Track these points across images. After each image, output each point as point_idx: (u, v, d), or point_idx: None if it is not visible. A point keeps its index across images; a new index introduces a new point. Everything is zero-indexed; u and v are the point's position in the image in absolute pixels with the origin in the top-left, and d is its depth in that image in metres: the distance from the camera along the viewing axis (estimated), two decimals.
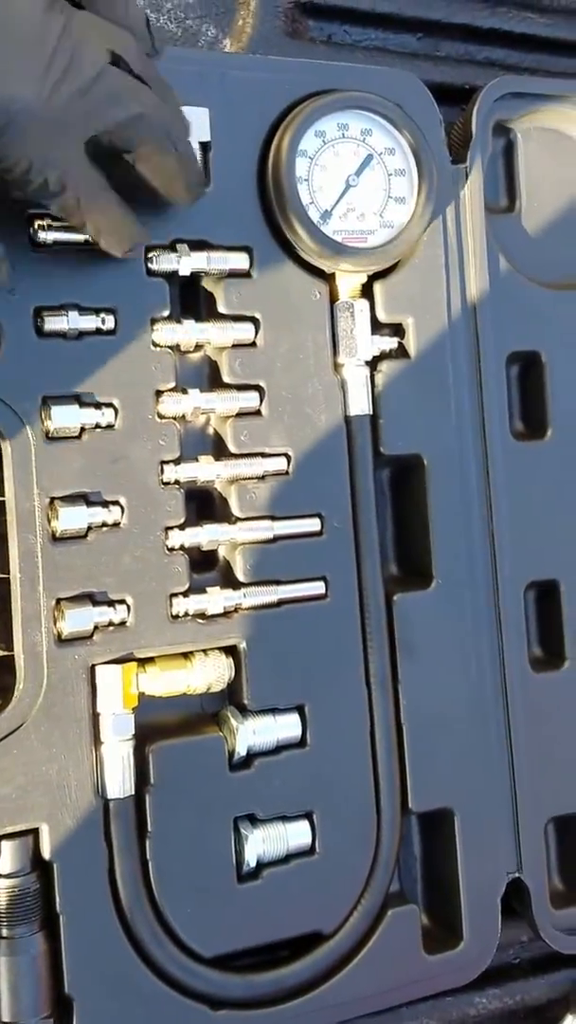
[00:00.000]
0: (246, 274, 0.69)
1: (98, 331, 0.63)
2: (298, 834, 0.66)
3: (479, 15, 0.85)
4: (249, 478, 0.67)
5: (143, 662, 0.64)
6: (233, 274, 0.68)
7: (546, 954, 0.75)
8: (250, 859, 0.64)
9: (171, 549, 0.65)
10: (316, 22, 0.80)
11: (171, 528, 0.65)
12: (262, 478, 0.68)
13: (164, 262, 0.65)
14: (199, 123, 0.67)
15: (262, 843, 0.65)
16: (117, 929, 0.60)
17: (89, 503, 0.63)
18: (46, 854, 0.60)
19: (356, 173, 0.71)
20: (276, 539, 0.67)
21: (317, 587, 0.68)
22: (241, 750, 0.65)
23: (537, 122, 0.82)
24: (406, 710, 0.70)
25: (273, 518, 0.67)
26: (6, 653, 0.63)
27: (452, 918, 0.69)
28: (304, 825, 0.66)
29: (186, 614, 0.65)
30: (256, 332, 0.68)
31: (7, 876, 0.58)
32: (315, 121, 0.69)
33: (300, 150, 0.69)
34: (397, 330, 0.73)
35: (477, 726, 0.72)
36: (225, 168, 0.68)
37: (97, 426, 0.63)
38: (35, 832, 0.60)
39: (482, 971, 0.69)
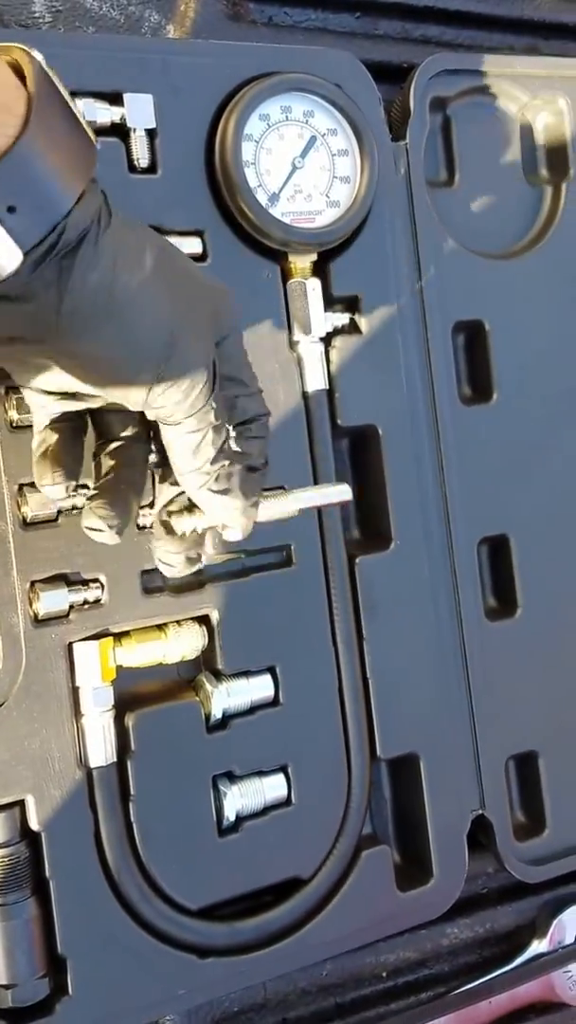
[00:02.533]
0: (200, 258, 0.65)
1: None
2: (274, 787, 0.64)
3: None
4: None
5: (119, 636, 0.61)
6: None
7: (512, 883, 0.74)
8: (229, 814, 0.62)
9: (140, 527, 0.61)
10: (257, 4, 0.75)
11: (140, 507, 0.61)
12: None
13: None
14: (144, 110, 0.63)
15: (240, 798, 0.62)
16: (106, 890, 0.58)
17: None
18: (33, 824, 0.57)
19: (301, 155, 0.67)
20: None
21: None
22: (217, 713, 0.63)
23: (472, 98, 0.77)
24: (371, 665, 0.67)
25: None
26: None
27: (422, 856, 0.68)
28: (280, 778, 0.64)
29: (160, 588, 0.62)
30: None
31: None
32: (258, 105, 0.65)
33: (246, 134, 0.64)
34: (349, 306, 0.69)
35: (438, 675, 0.70)
36: (172, 154, 0.64)
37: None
38: (21, 804, 0.57)
39: (452, 903, 0.68)
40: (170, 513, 0.56)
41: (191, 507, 0.55)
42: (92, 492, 0.54)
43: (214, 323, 0.50)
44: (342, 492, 0.60)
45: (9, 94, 0.42)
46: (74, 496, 0.57)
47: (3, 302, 0.43)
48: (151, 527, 0.58)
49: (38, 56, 0.44)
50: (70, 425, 0.54)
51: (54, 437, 0.53)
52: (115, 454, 0.54)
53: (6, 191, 0.40)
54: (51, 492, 0.53)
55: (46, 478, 0.53)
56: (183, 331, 0.47)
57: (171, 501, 0.56)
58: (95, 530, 0.53)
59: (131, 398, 0.48)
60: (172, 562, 0.56)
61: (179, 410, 0.48)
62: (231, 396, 0.52)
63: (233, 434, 0.52)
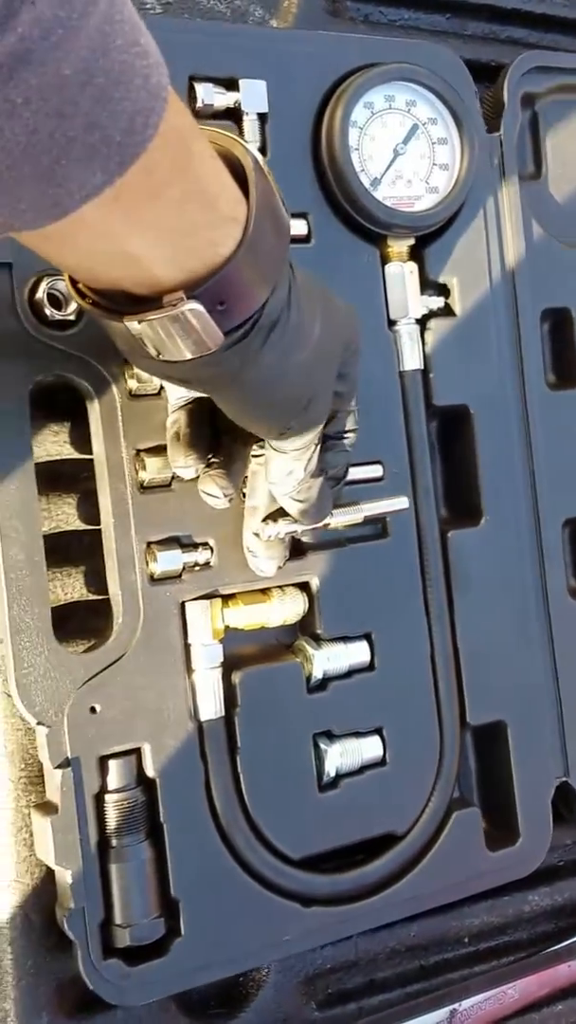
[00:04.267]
0: (304, 239, 0.67)
1: None
2: (371, 747, 0.66)
3: None
4: None
5: (227, 598, 0.63)
6: (291, 240, 0.66)
7: None
8: (330, 770, 0.64)
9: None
10: (354, 2, 0.78)
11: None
12: None
13: None
14: (258, 95, 0.66)
15: (339, 756, 0.65)
16: (215, 836, 0.61)
17: None
18: (149, 772, 0.59)
19: (403, 142, 0.70)
20: (347, 483, 0.66)
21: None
22: (317, 674, 0.65)
23: (559, 95, 0.80)
24: (461, 635, 0.70)
25: None
26: (99, 597, 0.63)
27: (509, 819, 0.70)
28: (375, 739, 0.66)
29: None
30: None
31: (115, 791, 0.58)
32: (364, 93, 0.68)
33: (351, 120, 0.67)
34: (443, 290, 0.72)
35: (524, 647, 0.72)
36: (281, 138, 0.67)
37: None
38: (138, 751, 0.60)
39: (537, 866, 0.70)
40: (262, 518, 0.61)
41: (275, 515, 0.61)
42: (212, 460, 0.58)
43: (343, 357, 0.55)
44: (400, 503, 0.66)
45: (234, 206, 0.44)
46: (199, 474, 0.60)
47: (193, 362, 0.46)
48: None
49: (255, 154, 0.46)
50: (199, 406, 0.58)
51: (186, 418, 0.57)
52: (234, 432, 0.58)
53: (221, 292, 0.43)
54: (183, 473, 0.58)
55: (179, 460, 0.57)
56: (319, 393, 0.53)
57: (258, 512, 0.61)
58: (211, 496, 0.57)
59: (259, 433, 0.55)
60: (264, 568, 0.62)
61: (290, 446, 0.54)
62: (333, 410, 0.56)
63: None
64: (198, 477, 0.58)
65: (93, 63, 0.32)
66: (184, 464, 0.57)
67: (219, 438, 0.59)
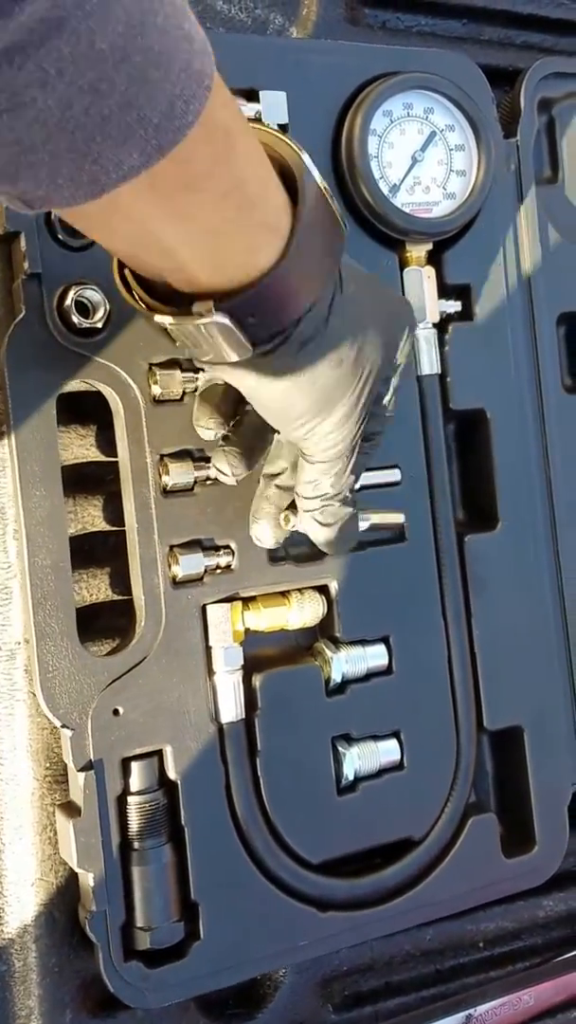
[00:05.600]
0: None
1: None
2: (388, 751, 0.66)
3: (518, 1, 0.83)
4: None
5: (247, 601, 0.64)
6: None
7: None
8: (348, 774, 0.65)
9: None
10: (372, 10, 0.78)
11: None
12: None
13: None
14: (278, 106, 0.66)
15: (358, 759, 0.65)
16: (235, 840, 0.61)
17: (194, 459, 0.62)
18: (171, 774, 0.60)
19: (421, 149, 0.70)
20: (362, 488, 0.66)
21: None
22: (336, 677, 0.65)
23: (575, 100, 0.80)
24: (479, 639, 0.70)
25: None
26: (124, 597, 0.63)
27: (525, 825, 0.70)
28: (393, 743, 0.67)
29: (284, 557, 0.65)
30: None
31: (138, 793, 0.59)
32: (383, 101, 0.68)
33: (371, 129, 0.68)
34: (461, 294, 0.72)
35: (541, 652, 0.72)
36: (302, 147, 0.67)
37: (196, 390, 0.63)
38: (160, 753, 0.60)
39: (553, 873, 0.70)
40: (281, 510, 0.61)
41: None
42: (228, 434, 0.58)
43: (386, 370, 0.53)
44: (397, 517, 0.68)
45: (278, 215, 0.42)
46: (218, 437, 0.61)
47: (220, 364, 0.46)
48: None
49: (307, 160, 0.44)
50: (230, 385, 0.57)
51: (218, 387, 0.58)
52: (256, 414, 0.58)
53: (253, 306, 0.43)
54: (204, 433, 0.59)
55: (203, 420, 0.58)
56: (353, 407, 0.51)
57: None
58: (221, 471, 0.58)
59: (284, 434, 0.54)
60: (262, 537, 0.61)
61: (316, 455, 0.53)
62: (371, 411, 0.55)
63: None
64: (216, 444, 0.58)
65: (131, 40, 0.31)
66: (206, 425, 0.58)
67: (247, 411, 0.58)
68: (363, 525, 0.63)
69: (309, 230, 0.43)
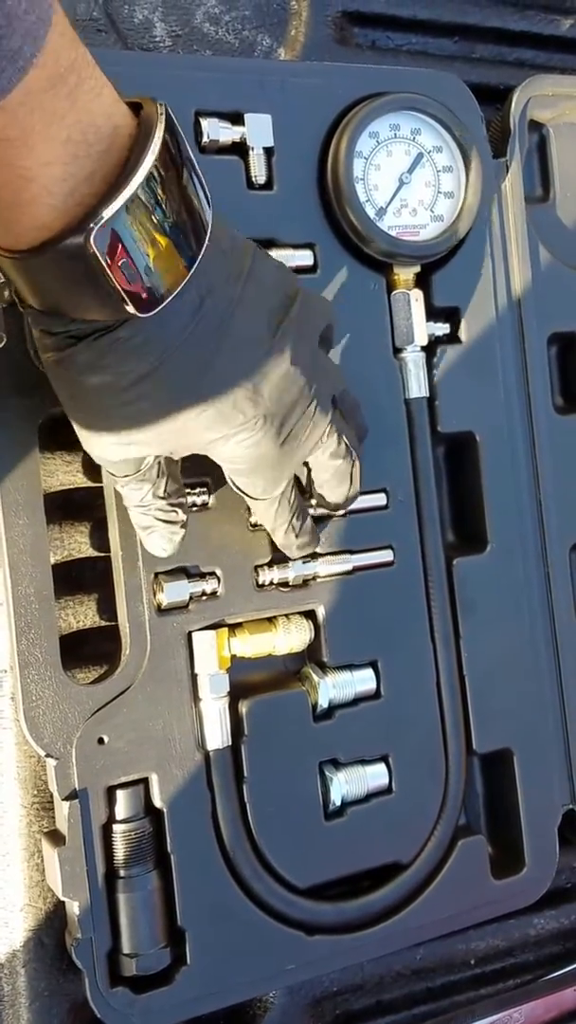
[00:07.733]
0: (311, 269, 0.67)
1: None
2: (376, 775, 0.66)
3: (510, 19, 0.83)
4: None
5: (233, 627, 0.64)
6: (298, 270, 0.67)
7: None
8: (335, 799, 0.65)
9: (254, 525, 0.64)
10: (361, 29, 0.78)
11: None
12: None
13: None
14: (263, 129, 0.66)
15: (345, 784, 0.65)
16: (222, 866, 0.61)
17: None
18: (157, 802, 0.60)
19: (409, 171, 0.69)
20: (347, 513, 0.66)
21: (385, 555, 0.68)
22: (323, 702, 0.65)
23: (567, 118, 0.79)
24: (468, 662, 0.69)
25: None
26: (111, 623, 0.63)
27: (515, 846, 0.69)
28: (381, 767, 0.66)
29: (270, 583, 0.64)
30: None
31: (123, 821, 0.59)
32: (369, 123, 0.68)
33: (356, 151, 0.67)
34: (449, 316, 0.71)
35: (531, 674, 0.71)
36: (287, 171, 0.66)
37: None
38: (146, 781, 0.60)
39: (543, 893, 0.69)
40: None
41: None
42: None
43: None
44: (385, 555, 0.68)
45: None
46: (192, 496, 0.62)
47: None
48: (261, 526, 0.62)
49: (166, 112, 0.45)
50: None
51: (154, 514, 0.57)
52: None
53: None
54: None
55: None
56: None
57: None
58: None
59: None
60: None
61: (249, 491, 0.56)
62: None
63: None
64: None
65: None
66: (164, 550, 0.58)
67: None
68: (346, 567, 0.66)
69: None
